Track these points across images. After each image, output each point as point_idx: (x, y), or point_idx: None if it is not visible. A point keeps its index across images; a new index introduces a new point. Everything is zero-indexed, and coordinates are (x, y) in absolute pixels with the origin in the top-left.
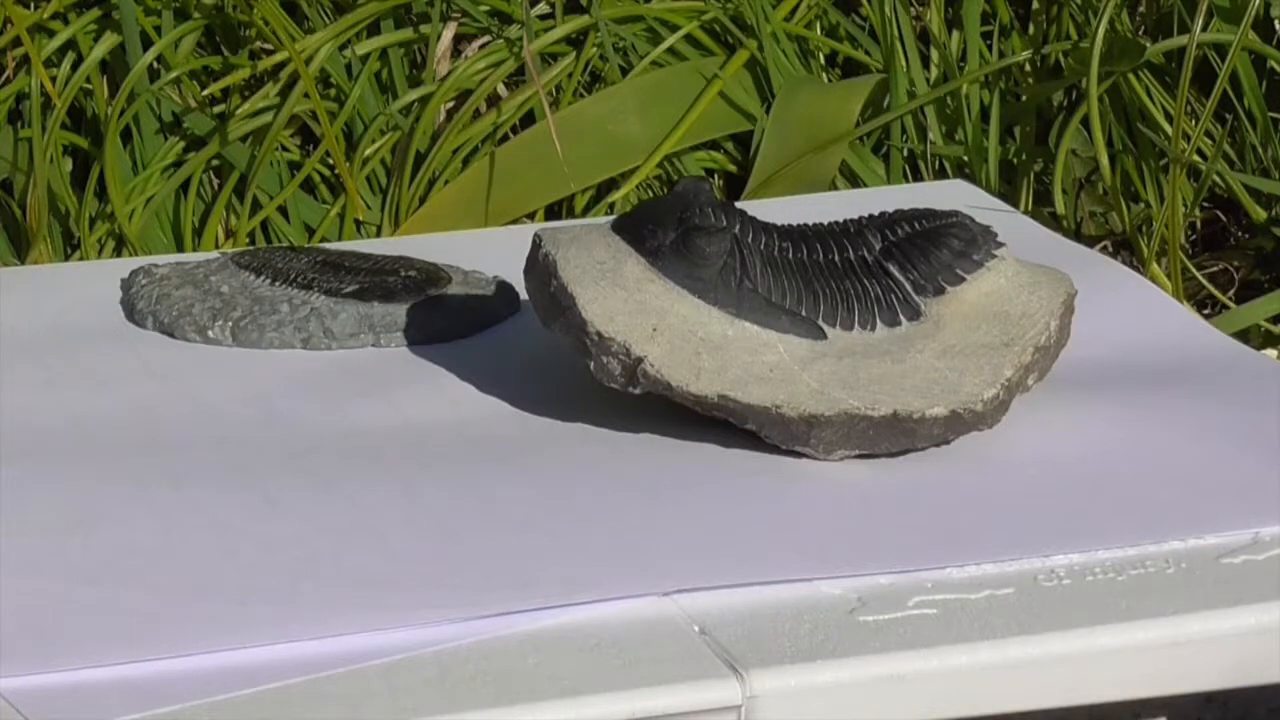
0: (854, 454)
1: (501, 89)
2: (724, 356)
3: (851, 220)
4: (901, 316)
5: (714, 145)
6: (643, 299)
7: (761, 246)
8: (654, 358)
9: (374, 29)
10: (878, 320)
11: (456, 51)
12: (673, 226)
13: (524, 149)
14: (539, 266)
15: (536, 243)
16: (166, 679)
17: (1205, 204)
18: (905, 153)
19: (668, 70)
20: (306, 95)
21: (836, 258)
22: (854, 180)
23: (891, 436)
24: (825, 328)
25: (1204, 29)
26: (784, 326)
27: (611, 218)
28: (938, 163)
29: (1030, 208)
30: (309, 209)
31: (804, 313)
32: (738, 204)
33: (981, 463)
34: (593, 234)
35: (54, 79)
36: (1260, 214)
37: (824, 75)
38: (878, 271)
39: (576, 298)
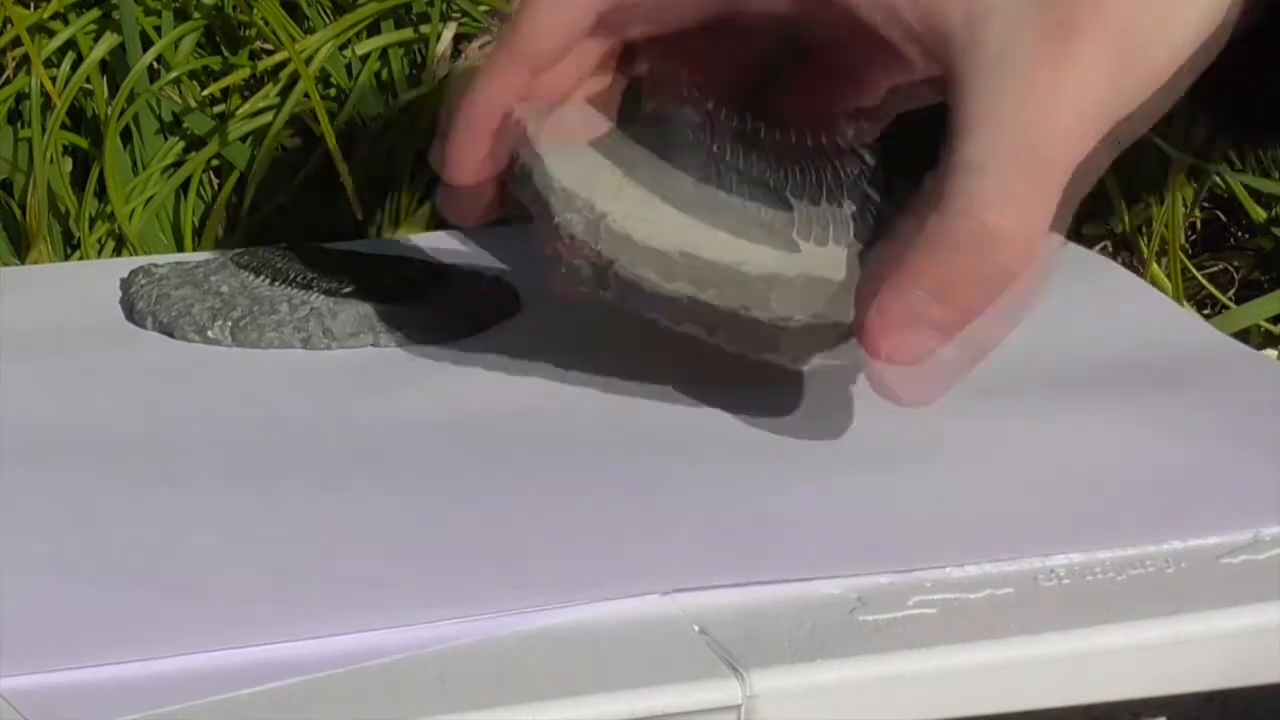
0: (829, 360)
1: None
2: None
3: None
4: (873, 194)
5: None
6: (610, 162)
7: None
8: (617, 215)
9: (374, 29)
10: (846, 198)
11: (456, 51)
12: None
13: None
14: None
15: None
16: (166, 679)
17: (1205, 204)
18: None
19: None
20: (306, 95)
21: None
22: None
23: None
24: (799, 241)
25: None
26: (756, 236)
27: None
28: None
29: None
30: (309, 209)
31: (774, 185)
32: None
33: (981, 463)
34: (573, 114)
35: (54, 79)
36: (1260, 214)
37: None
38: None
39: (544, 156)
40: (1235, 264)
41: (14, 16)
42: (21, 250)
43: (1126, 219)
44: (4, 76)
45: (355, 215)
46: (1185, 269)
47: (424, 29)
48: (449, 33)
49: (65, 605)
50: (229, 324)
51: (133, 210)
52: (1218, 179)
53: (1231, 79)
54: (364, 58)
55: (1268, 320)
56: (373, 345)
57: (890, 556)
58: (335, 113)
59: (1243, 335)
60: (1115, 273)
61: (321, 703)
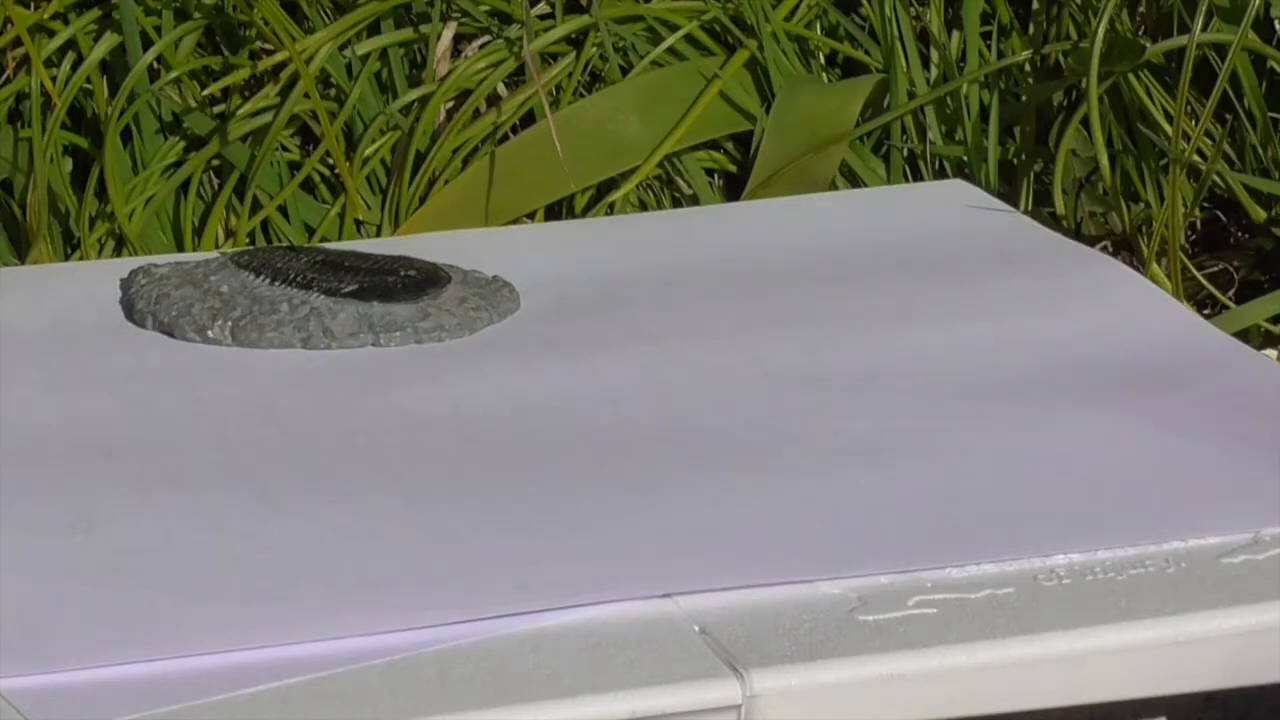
0: None
1: (501, 89)
2: None
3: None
4: None
5: (714, 145)
6: None
7: None
8: None
9: (374, 29)
10: None
11: (456, 51)
12: None
13: (524, 149)
14: None
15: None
16: (166, 679)
17: (1205, 204)
18: (905, 153)
19: (668, 70)
20: (306, 95)
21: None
22: (854, 180)
23: None
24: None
25: (1204, 29)
26: None
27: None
28: (938, 163)
29: (1030, 208)
30: (309, 209)
31: None
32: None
33: (981, 463)
34: None
35: (54, 79)
36: (1260, 214)
37: (824, 75)
38: None
39: None
40: (1235, 264)
41: (14, 16)
42: (21, 250)
43: (1126, 219)
44: (4, 76)
45: (355, 215)
46: (1185, 269)
47: (424, 29)
48: (449, 33)
49: (65, 605)
50: (229, 324)
51: (133, 210)
52: (1218, 179)
53: None
54: (364, 58)
55: (1268, 320)
56: (373, 345)
57: (890, 556)
58: (335, 113)
59: (1243, 335)
60: (1116, 270)
61: (321, 703)
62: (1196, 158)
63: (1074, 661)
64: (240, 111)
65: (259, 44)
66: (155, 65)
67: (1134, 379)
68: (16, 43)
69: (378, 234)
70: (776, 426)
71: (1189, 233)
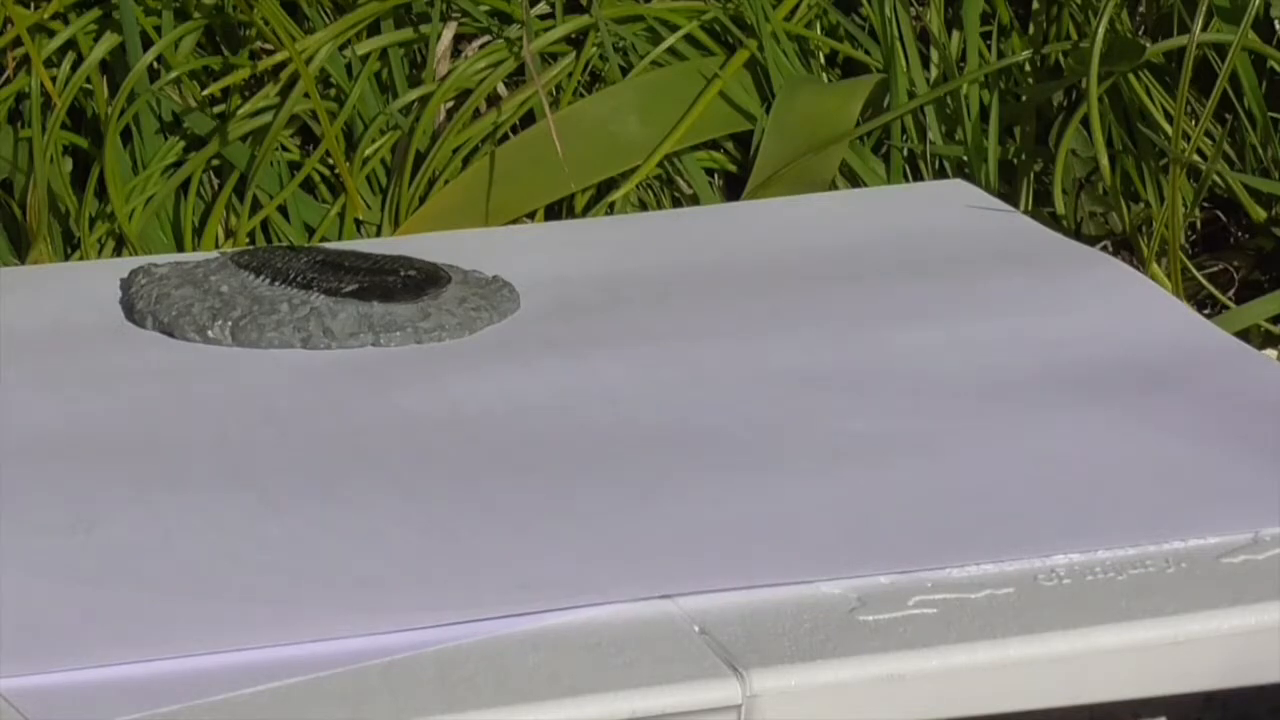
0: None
1: (501, 89)
2: None
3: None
4: None
5: (714, 145)
6: None
7: None
8: None
9: (374, 29)
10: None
11: (456, 51)
12: None
13: (524, 149)
14: None
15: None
16: (166, 679)
17: (1205, 204)
18: (905, 153)
19: (668, 70)
20: (306, 95)
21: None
22: (854, 180)
23: None
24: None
25: (1204, 29)
26: None
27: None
28: (938, 163)
29: (1030, 208)
30: (309, 209)
31: None
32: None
33: (981, 463)
34: None
35: (54, 79)
36: (1260, 214)
37: (824, 75)
38: None
39: None
40: (1235, 264)
41: (14, 16)
42: (21, 250)
43: (1126, 219)
44: (4, 76)
45: (355, 215)
46: (1185, 269)
47: (424, 29)
48: (449, 33)
49: (65, 605)
50: (229, 324)
51: (133, 210)
52: (1218, 179)
53: None
54: (364, 58)
55: (1268, 320)
56: (373, 345)
57: (890, 556)
58: (335, 113)
59: (1243, 335)
60: (1117, 270)
61: (321, 703)
62: (1196, 158)
63: (1074, 661)
64: (240, 111)
65: (259, 44)
66: (155, 65)
67: (1134, 379)
68: (16, 43)
69: (378, 234)
70: (776, 426)
71: (1189, 233)
